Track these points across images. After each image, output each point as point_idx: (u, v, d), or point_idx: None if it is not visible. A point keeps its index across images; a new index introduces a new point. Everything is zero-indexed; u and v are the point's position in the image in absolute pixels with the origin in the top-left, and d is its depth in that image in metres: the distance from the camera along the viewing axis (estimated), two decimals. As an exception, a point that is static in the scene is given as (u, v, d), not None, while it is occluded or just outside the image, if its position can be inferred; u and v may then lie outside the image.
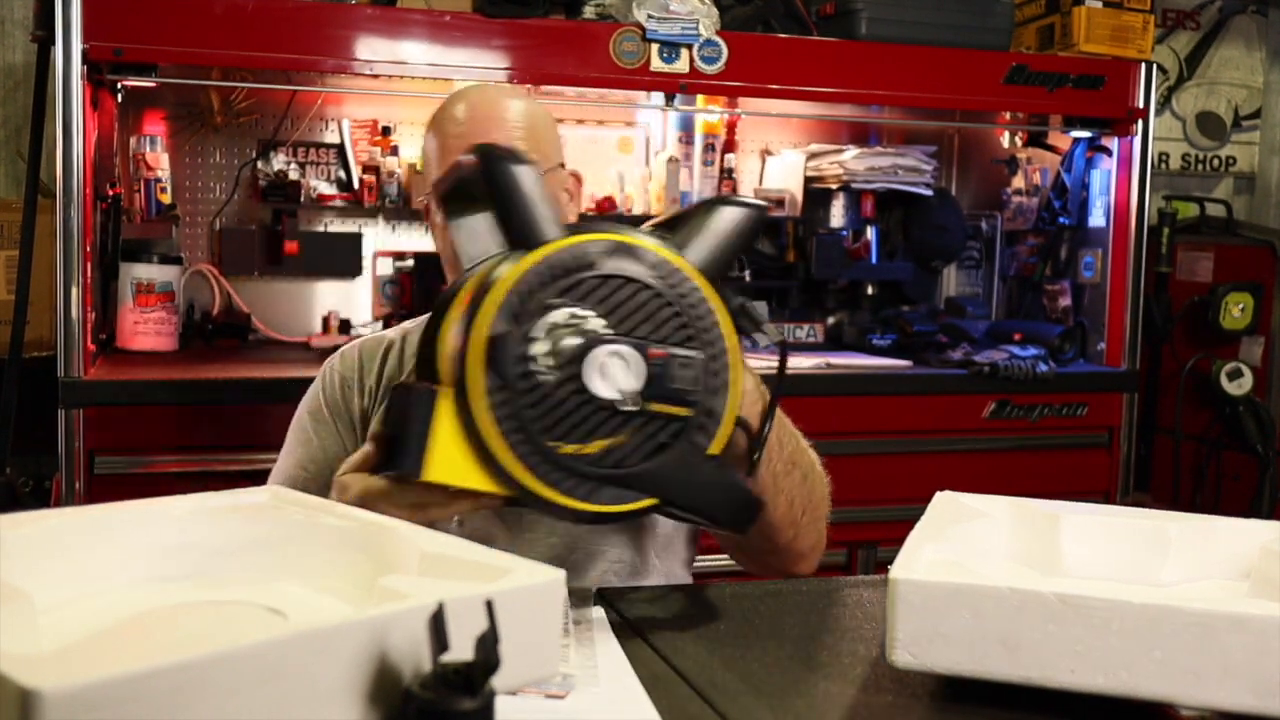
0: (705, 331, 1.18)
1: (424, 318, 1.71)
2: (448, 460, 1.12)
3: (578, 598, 1.30)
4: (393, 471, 1.15)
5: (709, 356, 1.17)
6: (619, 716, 0.98)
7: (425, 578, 0.93)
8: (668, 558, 1.65)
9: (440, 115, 1.65)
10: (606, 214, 3.42)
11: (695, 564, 1.71)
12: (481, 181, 1.18)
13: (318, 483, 1.55)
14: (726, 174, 3.56)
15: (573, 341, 1.12)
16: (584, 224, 1.20)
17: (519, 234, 1.14)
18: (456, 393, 1.11)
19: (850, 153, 3.45)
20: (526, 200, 1.14)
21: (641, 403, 1.13)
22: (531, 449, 1.12)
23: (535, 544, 1.54)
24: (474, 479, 1.13)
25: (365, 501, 1.19)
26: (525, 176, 1.15)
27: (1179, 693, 0.93)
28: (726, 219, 1.23)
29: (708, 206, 1.25)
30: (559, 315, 1.12)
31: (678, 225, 1.25)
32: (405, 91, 3.04)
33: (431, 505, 1.20)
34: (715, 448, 1.19)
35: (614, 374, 1.12)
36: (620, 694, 1.02)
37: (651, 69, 2.83)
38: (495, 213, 1.16)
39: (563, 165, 1.65)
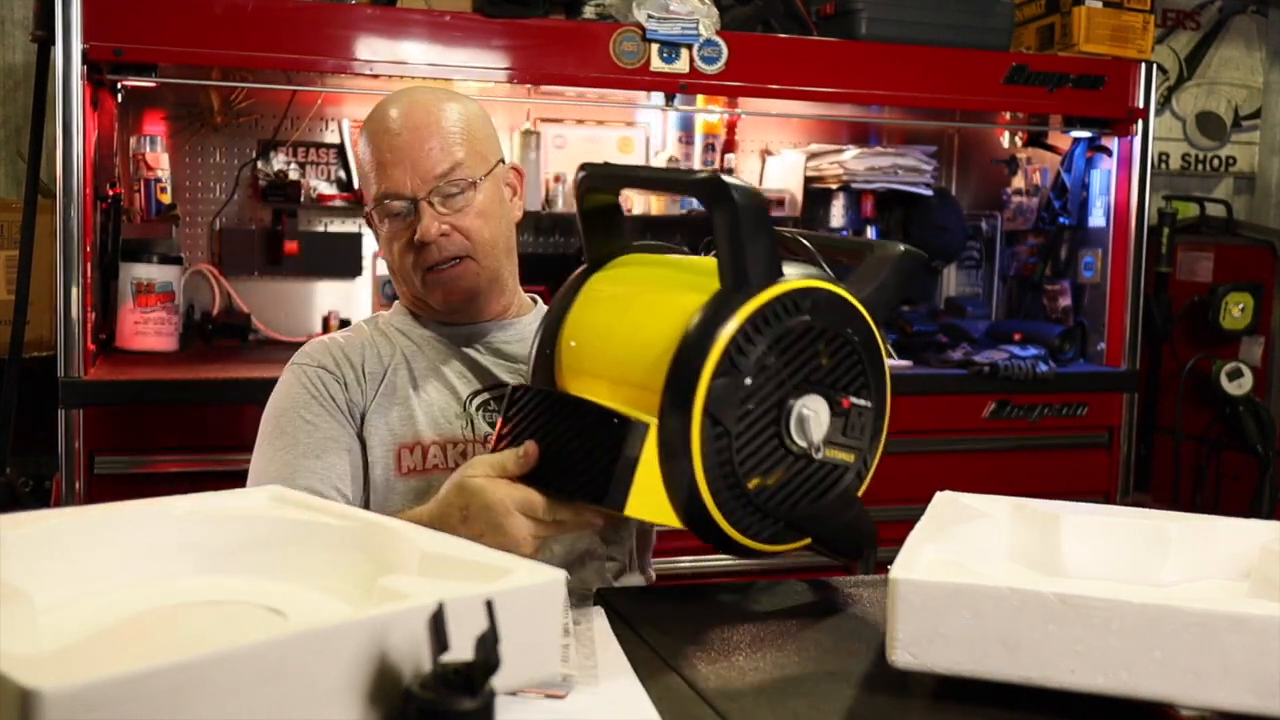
0: (878, 380, 1.23)
1: (384, 313, 1.70)
2: (647, 495, 1.14)
3: (578, 598, 1.30)
4: (588, 500, 1.16)
5: (878, 405, 1.23)
6: (619, 716, 0.98)
7: (425, 578, 0.93)
8: (644, 554, 1.66)
9: (375, 124, 1.57)
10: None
11: (689, 565, 1.73)
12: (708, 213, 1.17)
13: (333, 470, 1.51)
14: (726, 174, 3.55)
15: (779, 390, 1.15)
16: (788, 261, 1.20)
17: (735, 272, 1.14)
18: (668, 431, 1.13)
19: (850, 153, 3.45)
20: (747, 241, 1.14)
21: (823, 450, 1.18)
22: (728, 490, 1.15)
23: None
24: (664, 514, 1.16)
25: (498, 511, 1.20)
26: (750, 215, 1.14)
27: (1179, 693, 0.93)
28: (898, 267, 1.27)
29: (878, 251, 1.29)
30: (769, 361, 1.15)
31: (831, 248, 1.30)
32: (405, 91, 3.05)
33: (571, 525, 1.21)
34: (861, 489, 1.25)
35: (809, 425, 1.17)
36: (620, 694, 1.02)
37: (651, 69, 2.83)
38: (718, 245, 1.16)
39: (502, 161, 1.62)
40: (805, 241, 1.32)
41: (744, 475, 1.15)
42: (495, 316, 1.64)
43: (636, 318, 1.25)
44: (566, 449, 1.19)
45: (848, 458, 1.22)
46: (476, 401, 1.58)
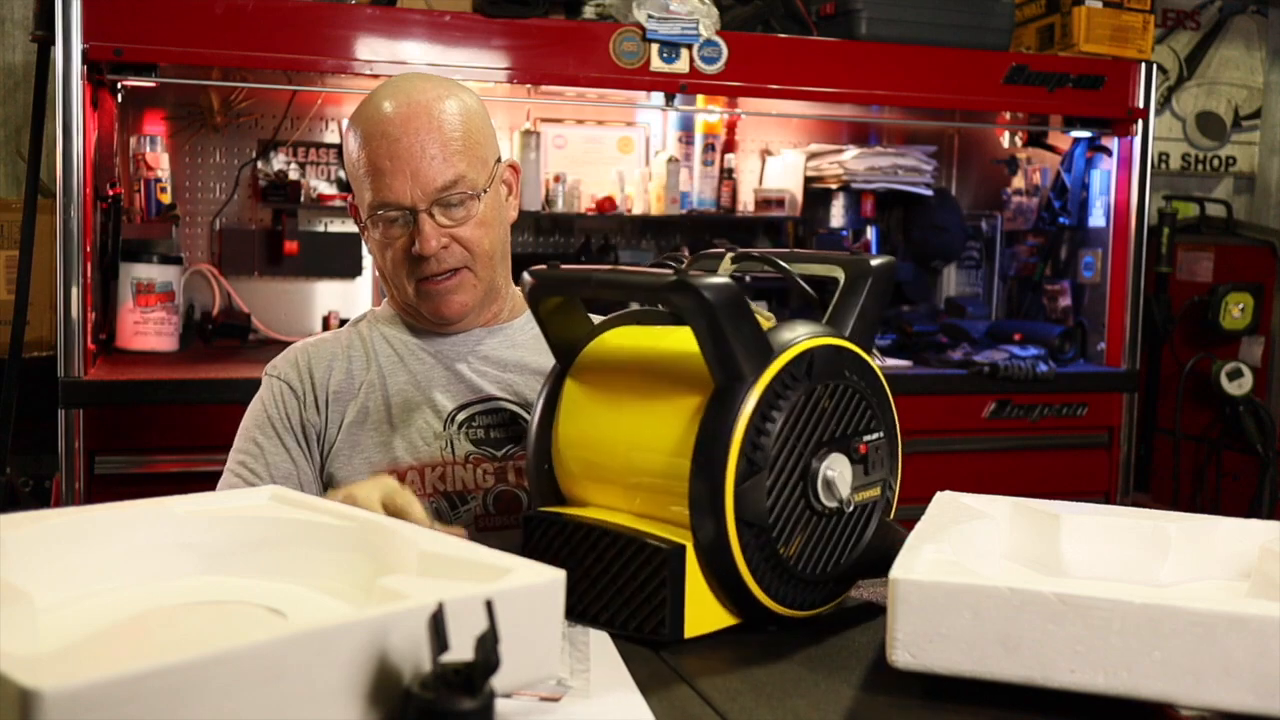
0: (883, 408, 1.23)
1: (376, 310, 1.68)
2: (700, 610, 1.14)
3: (578, 598, 1.30)
4: (650, 637, 1.14)
5: (889, 429, 1.23)
6: (615, 718, 0.98)
7: (425, 578, 0.93)
8: None
9: (369, 124, 1.49)
10: (607, 214, 3.42)
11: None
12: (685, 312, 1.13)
13: None
14: (726, 174, 3.56)
15: (800, 462, 1.15)
16: (781, 327, 1.17)
17: (725, 369, 1.12)
18: (705, 545, 1.12)
19: (850, 153, 3.45)
20: (730, 336, 1.10)
21: (853, 500, 1.19)
22: (777, 578, 1.15)
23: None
24: (721, 619, 1.16)
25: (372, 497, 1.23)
26: (726, 310, 1.10)
27: (1179, 693, 0.93)
28: (874, 285, 1.25)
29: (850, 270, 1.25)
30: (783, 441, 1.13)
31: (804, 262, 1.29)
32: (405, 91, 3.04)
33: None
34: (892, 511, 1.25)
35: (836, 484, 1.17)
36: (616, 695, 1.02)
37: (651, 69, 2.83)
38: (701, 345, 1.12)
39: (499, 159, 1.57)
40: (781, 263, 1.30)
41: (785, 554, 1.15)
42: (486, 323, 1.61)
43: (635, 425, 1.22)
44: (602, 579, 1.18)
45: (875, 493, 1.22)
46: (460, 418, 1.55)
